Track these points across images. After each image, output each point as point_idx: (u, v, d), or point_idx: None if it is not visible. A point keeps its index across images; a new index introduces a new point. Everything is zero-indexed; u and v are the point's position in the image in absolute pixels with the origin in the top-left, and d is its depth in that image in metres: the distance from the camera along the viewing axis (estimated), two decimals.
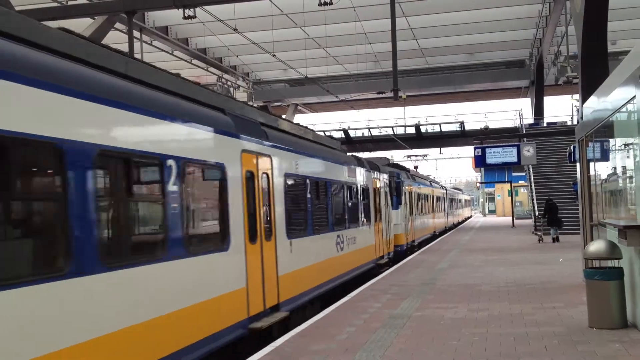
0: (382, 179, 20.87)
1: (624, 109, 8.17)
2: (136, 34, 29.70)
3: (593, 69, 17.05)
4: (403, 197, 24.44)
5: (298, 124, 14.71)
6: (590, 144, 11.12)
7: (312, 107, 54.16)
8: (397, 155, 60.77)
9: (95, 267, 5.81)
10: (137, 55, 28.29)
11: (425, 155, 54.28)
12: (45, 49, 5.91)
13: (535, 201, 32.56)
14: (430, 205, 34.08)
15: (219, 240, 8.42)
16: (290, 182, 11.51)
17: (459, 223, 56.54)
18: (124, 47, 24.54)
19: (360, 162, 18.28)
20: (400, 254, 22.50)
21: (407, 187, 25.64)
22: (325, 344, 8.31)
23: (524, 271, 15.59)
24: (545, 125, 43.95)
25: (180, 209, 7.42)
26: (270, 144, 10.68)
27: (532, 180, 33.85)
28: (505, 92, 52.78)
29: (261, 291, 9.60)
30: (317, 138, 15.45)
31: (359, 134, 49.51)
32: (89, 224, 5.77)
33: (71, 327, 5.45)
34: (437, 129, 47.23)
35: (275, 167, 10.73)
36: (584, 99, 15.40)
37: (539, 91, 44.48)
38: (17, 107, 5.08)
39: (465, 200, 75.54)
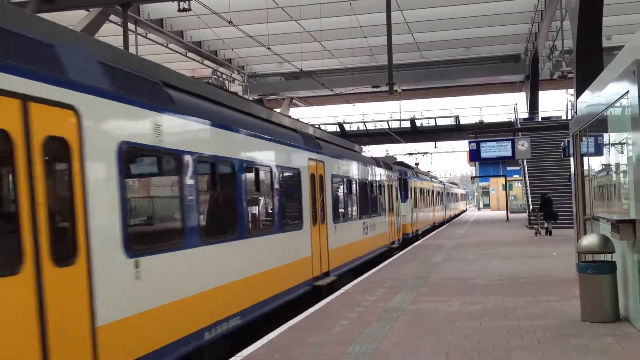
0: (393, 176, 24.22)
1: (617, 104, 8.20)
2: (131, 26, 29.58)
3: (588, 63, 17.09)
4: (409, 192, 27.58)
5: (332, 134, 18.65)
6: (584, 138, 11.16)
7: (308, 101, 54.12)
8: (392, 149, 60.72)
9: (247, 234, 9.35)
10: (132, 48, 28.22)
11: (425, 153, 54.48)
12: (189, 93, 8.40)
13: (529, 195, 32.67)
14: (430, 199, 36.82)
15: (297, 222, 11.92)
16: (334, 180, 14.87)
17: (456, 215, 58.62)
18: (119, 40, 24.46)
19: (377, 163, 22.03)
20: (407, 240, 25.80)
21: (412, 183, 28.54)
22: (319, 337, 8.34)
23: (518, 265, 15.65)
24: (539, 119, 44.05)
25: (280, 201, 10.98)
26: (323, 152, 14.13)
27: (527, 175, 33.95)
28: (501, 86, 52.84)
29: (319, 260, 13.06)
30: (345, 144, 18.59)
31: (354, 127, 49.53)
32: (246, 210, 9.49)
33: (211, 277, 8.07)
34: (432, 123, 47.29)
35: (326, 170, 14.21)
36: (578, 94, 15.45)
37: (533, 85, 44.55)
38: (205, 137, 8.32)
39: (461, 194, 77.44)
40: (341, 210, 15.62)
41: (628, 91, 7.48)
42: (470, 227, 35.52)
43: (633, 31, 36.59)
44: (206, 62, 40.45)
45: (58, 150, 5.44)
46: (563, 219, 26.12)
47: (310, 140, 13.58)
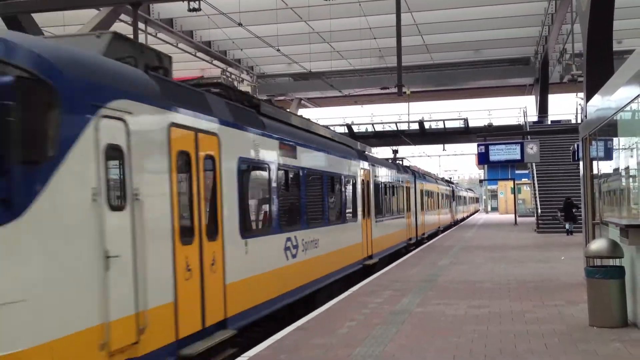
0: (416, 182, 27.88)
1: (628, 108, 8.15)
2: (141, 25, 29.68)
3: (598, 67, 16.99)
4: (424, 197, 30.53)
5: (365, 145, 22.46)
6: (593, 142, 11.10)
7: (316, 102, 54.10)
8: (400, 151, 60.65)
9: (323, 223, 13.12)
10: None
11: (440, 155, 54.77)
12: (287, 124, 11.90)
13: (538, 199, 32.52)
14: (441, 201, 39.39)
15: (354, 217, 15.97)
16: (375, 185, 18.70)
17: (468, 216, 64.06)
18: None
19: (405, 170, 26.06)
20: (419, 240, 27.60)
21: (424, 187, 31.04)
22: (325, 339, 8.33)
23: (526, 269, 15.59)
24: (549, 123, 43.83)
25: (344, 200, 15.04)
26: (369, 162, 18.30)
27: (535, 178, 33.80)
28: (510, 89, 52.63)
29: (366, 246, 16.91)
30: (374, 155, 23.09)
31: (362, 129, 49.44)
32: (321, 206, 13.18)
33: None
34: (440, 125, 47.15)
35: (371, 176, 18.19)
36: (588, 98, 15.37)
37: (543, 89, 44.34)
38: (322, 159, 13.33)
39: (471, 198, 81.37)
40: (381, 208, 19.67)
41: (638, 95, 7.44)
42: (478, 230, 35.41)
43: None
44: (215, 62, 40.50)
45: (210, 164, 8.12)
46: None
47: (361, 154, 18.10)
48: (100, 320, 5.60)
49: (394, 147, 34.88)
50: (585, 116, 12.91)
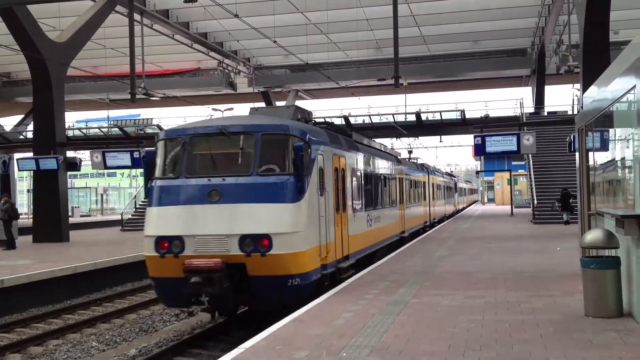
0: (429, 177, 33.67)
1: (624, 99, 8.16)
2: (136, 17, 29.55)
3: (594, 58, 17.02)
4: (436, 189, 36.78)
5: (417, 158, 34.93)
6: (589, 133, 11.11)
7: (313, 94, 54.00)
8: (397, 143, 60.57)
9: (383, 206, 19.35)
10: (137, 39, 28.17)
11: (437, 147, 55.23)
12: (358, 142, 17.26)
13: (534, 190, 32.57)
14: (447, 193, 44.64)
15: (395, 203, 21.89)
16: (407, 180, 24.90)
17: (468, 206, 70.72)
18: (125, 30, 24.41)
19: (422, 168, 32.35)
20: (432, 223, 33.21)
21: (435, 181, 36.81)
22: (321, 329, 8.36)
23: (522, 259, 15.65)
24: (545, 114, 43.82)
25: (391, 192, 21.04)
26: (403, 165, 24.54)
27: (532, 169, 33.84)
28: (507, 80, 52.56)
29: (401, 224, 22.67)
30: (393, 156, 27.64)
31: (359, 120, 49.34)
32: (383, 196, 19.51)
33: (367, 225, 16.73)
34: (437, 117, 47.03)
35: (404, 174, 24.17)
36: (584, 89, 15.38)
37: (540, 80, 44.31)
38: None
39: (470, 189, 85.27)
40: (409, 197, 25.41)
41: (634, 86, 7.44)
42: (474, 221, 35.49)
43: None
44: (212, 53, 40.39)
45: (342, 173, 13.85)
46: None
47: (400, 161, 24.94)
48: (319, 243, 11.68)
49: (409, 148, 43.08)
50: (582, 107, 12.92)
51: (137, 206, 37.59)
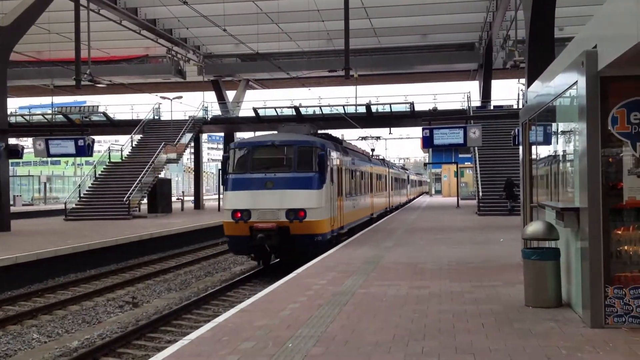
0: (389, 171, 39.83)
1: (566, 94, 8.35)
2: (83, 1, 28.80)
3: (539, 53, 17.37)
4: (394, 181, 44.58)
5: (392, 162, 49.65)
6: (532, 127, 11.35)
7: (264, 84, 53.70)
8: (347, 134, 60.72)
9: (373, 192, 29.84)
10: (84, 24, 27.46)
11: (378, 138, 55.21)
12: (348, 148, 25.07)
13: (479, 182, 33.18)
14: (401, 184, 51.17)
15: (385, 191, 35.33)
16: (391, 177, 38.54)
17: (418, 196, 77.38)
18: (70, 15, 23.81)
19: (384, 163, 39.29)
20: (392, 209, 40.70)
21: (393, 174, 43.73)
22: (267, 320, 8.35)
23: (466, 250, 15.93)
24: (492, 108, 44.64)
25: (381, 184, 33.41)
26: (388, 166, 38.45)
27: (477, 162, 34.46)
28: (456, 74, 53.32)
29: (387, 204, 36.54)
30: (378, 159, 38.26)
31: (310, 111, 49.33)
32: (372, 186, 29.80)
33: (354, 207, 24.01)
34: (387, 109, 47.43)
35: (389, 173, 38.15)
36: (529, 83, 15.70)
37: (487, 74, 45.06)
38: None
39: (420, 181, 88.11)
40: (375, 187, 30.58)
41: (576, 82, 7.62)
42: (422, 213, 35.96)
43: (585, 23, 37.10)
44: (160, 40, 39.74)
45: (341, 170, 20.32)
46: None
47: (386, 163, 37.54)
48: (331, 216, 17.93)
49: (358, 139, 49.43)
50: (526, 102, 13.19)
51: (82, 195, 36.69)
